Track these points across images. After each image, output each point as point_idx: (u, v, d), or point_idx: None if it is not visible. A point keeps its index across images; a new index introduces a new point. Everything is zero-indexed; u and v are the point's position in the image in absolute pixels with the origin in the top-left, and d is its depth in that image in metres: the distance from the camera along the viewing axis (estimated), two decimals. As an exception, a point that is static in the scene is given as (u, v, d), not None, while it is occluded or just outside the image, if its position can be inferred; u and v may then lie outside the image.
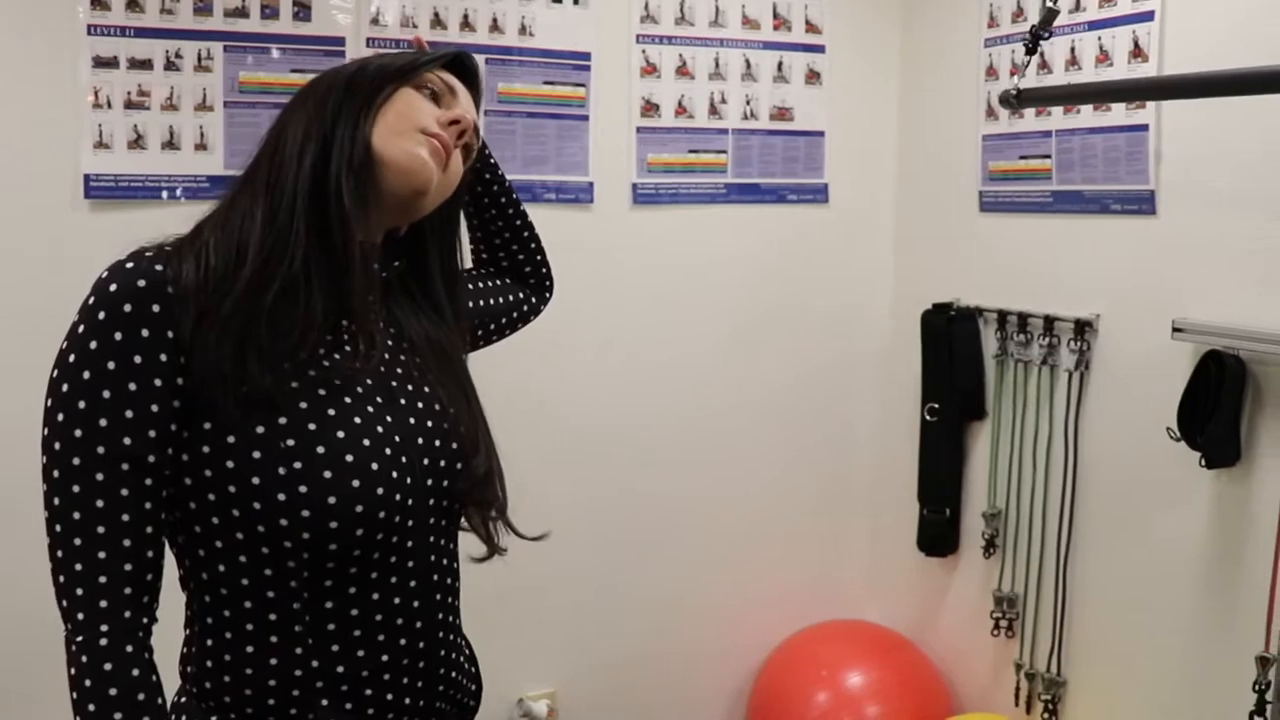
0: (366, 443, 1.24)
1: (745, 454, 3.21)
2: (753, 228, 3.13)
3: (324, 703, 1.25)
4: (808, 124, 3.16)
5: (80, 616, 1.14)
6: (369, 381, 1.28)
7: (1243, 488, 2.33)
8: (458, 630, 1.41)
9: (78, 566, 1.15)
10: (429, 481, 1.31)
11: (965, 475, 3.08)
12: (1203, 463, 2.34)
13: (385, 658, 1.28)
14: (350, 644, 1.26)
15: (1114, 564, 2.66)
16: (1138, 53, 2.52)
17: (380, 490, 1.23)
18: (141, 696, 1.15)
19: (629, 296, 3.01)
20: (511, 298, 1.69)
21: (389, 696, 1.30)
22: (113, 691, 1.14)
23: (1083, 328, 2.66)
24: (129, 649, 1.15)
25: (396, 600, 1.29)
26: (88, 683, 1.14)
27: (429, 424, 1.33)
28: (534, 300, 1.74)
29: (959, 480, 3.08)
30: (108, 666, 1.14)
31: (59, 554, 1.15)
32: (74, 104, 2.45)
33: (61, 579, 1.16)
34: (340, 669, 1.26)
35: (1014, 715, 2.91)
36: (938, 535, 3.11)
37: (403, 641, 1.30)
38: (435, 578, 1.34)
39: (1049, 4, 2.20)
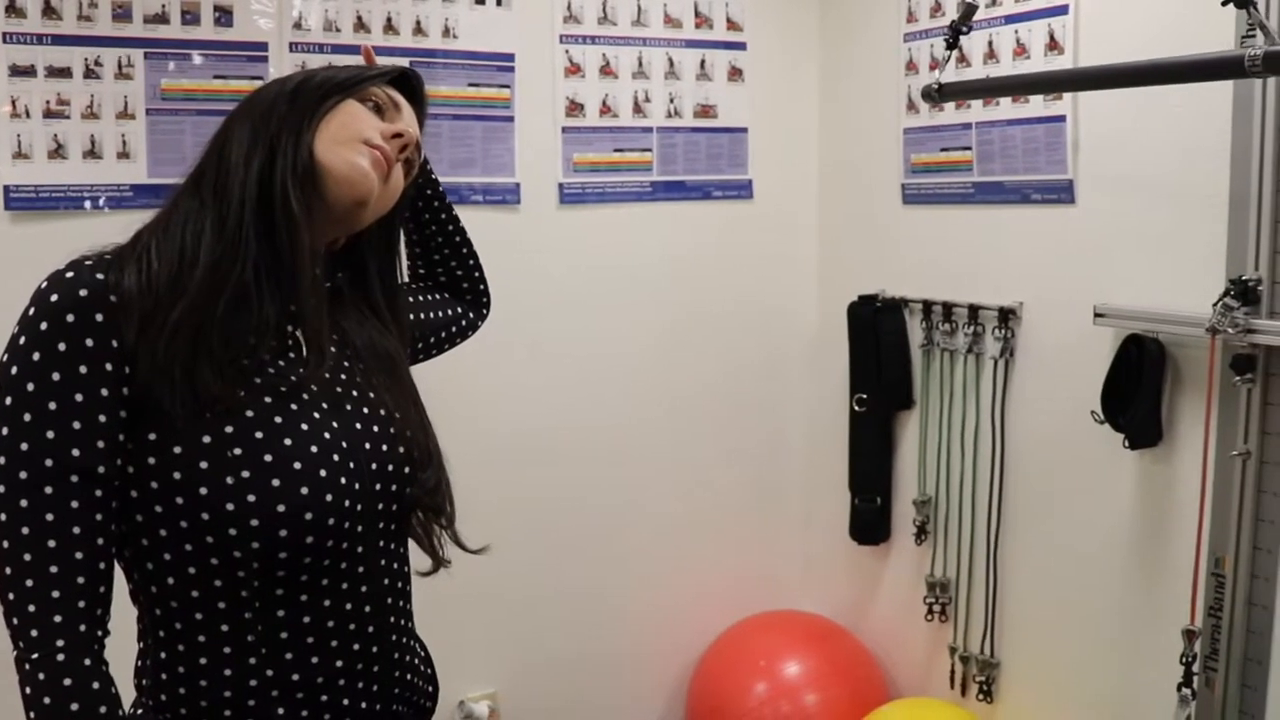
0: (314, 449, 1.23)
1: (677, 451, 3.23)
2: (679, 225, 3.14)
3: (280, 711, 1.25)
4: (731, 120, 3.18)
5: (34, 634, 1.12)
6: (315, 388, 1.28)
7: (1165, 467, 2.39)
8: (411, 633, 1.42)
9: (29, 582, 1.13)
10: (378, 487, 1.31)
11: (895, 464, 3.13)
12: (1126, 444, 2.40)
13: (340, 663, 1.28)
14: (304, 651, 1.26)
15: (1043, 546, 2.71)
16: (1053, 45, 2.58)
17: (329, 497, 1.23)
18: (103, 710, 1.14)
19: (557, 296, 3.01)
20: (450, 312, 1.69)
21: (345, 702, 1.29)
22: (74, 707, 1.12)
23: (1006, 316, 2.71)
24: (86, 663, 1.14)
25: (348, 606, 1.29)
26: (47, 700, 1.12)
27: (375, 429, 1.32)
28: (471, 316, 1.74)
29: (889, 469, 3.13)
30: (67, 682, 1.12)
31: (7, 570, 1.13)
32: (-11, 114, 2.40)
33: (11, 596, 1.13)
34: (295, 676, 1.25)
35: (949, 698, 2.97)
36: (869, 524, 3.15)
37: (356, 646, 1.30)
38: (386, 581, 1.34)
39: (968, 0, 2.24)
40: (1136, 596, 2.48)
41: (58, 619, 1.13)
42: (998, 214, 2.76)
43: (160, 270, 1.19)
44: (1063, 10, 2.55)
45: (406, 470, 1.35)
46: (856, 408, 3.13)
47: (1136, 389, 2.35)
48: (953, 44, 2.30)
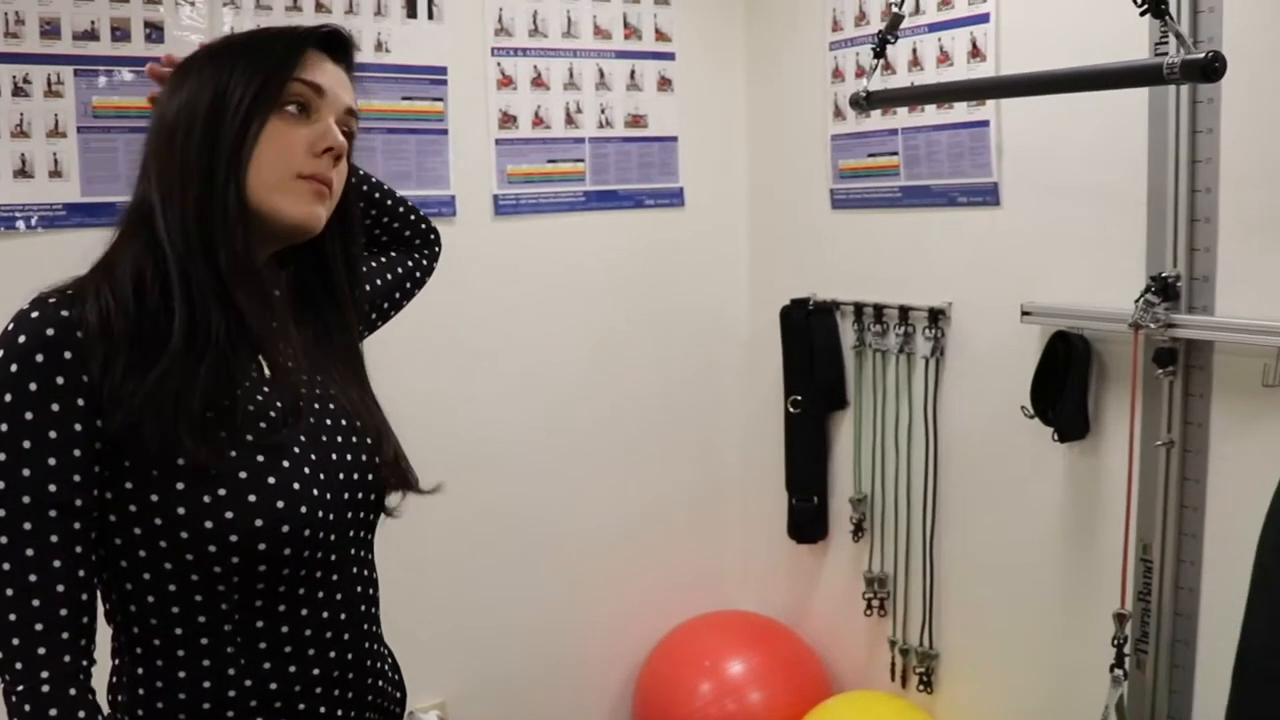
0: (286, 464, 1.26)
1: (616, 456, 3.27)
2: (613, 233, 3.19)
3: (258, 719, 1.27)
4: (661, 130, 3.23)
5: (19, 666, 1.14)
6: (279, 404, 1.30)
7: (1093, 458, 2.48)
8: (380, 640, 1.45)
9: (12, 616, 1.14)
10: (346, 495, 1.34)
11: (831, 463, 3.19)
12: (1055, 437, 2.48)
13: (316, 671, 1.31)
14: (281, 660, 1.28)
15: (977, 538, 2.79)
16: (976, 53, 2.66)
17: (304, 509, 1.25)
18: None
19: (495, 306, 3.03)
20: (402, 268, 1.69)
21: (321, 709, 1.32)
22: None
23: (936, 316, 2.79)
24: (72, 692, 1.16)
25: (324, 614, 1.31)
26: None
27: (341, 438, 1.36)
28: (425, 259, 1.74)
29: (825, 468, 3.20)
30: (53, 713, 1.14)
31: None
32: (-83, 134, 2.37)
33: None
34: (273, 685, 1.28)
35: (891, 690, 3.04)
36: (807, 523, 3.21)
37: (332, 654, 1.33)
38: (358, 589, 1.37)
39: (894, 9, 2.31)
40: (1069, 583, 2.57)
41: (41, 651, 1.15)
42: (925, 217, 2.83)
43: (116, 318, 1.19)
44: (984, 19, 2.63)
45: (373, 467, 1.38)
46: (792, 409, 3.19)
47: (1064, 384, 2.44)
48: (880, 53, 2.37)
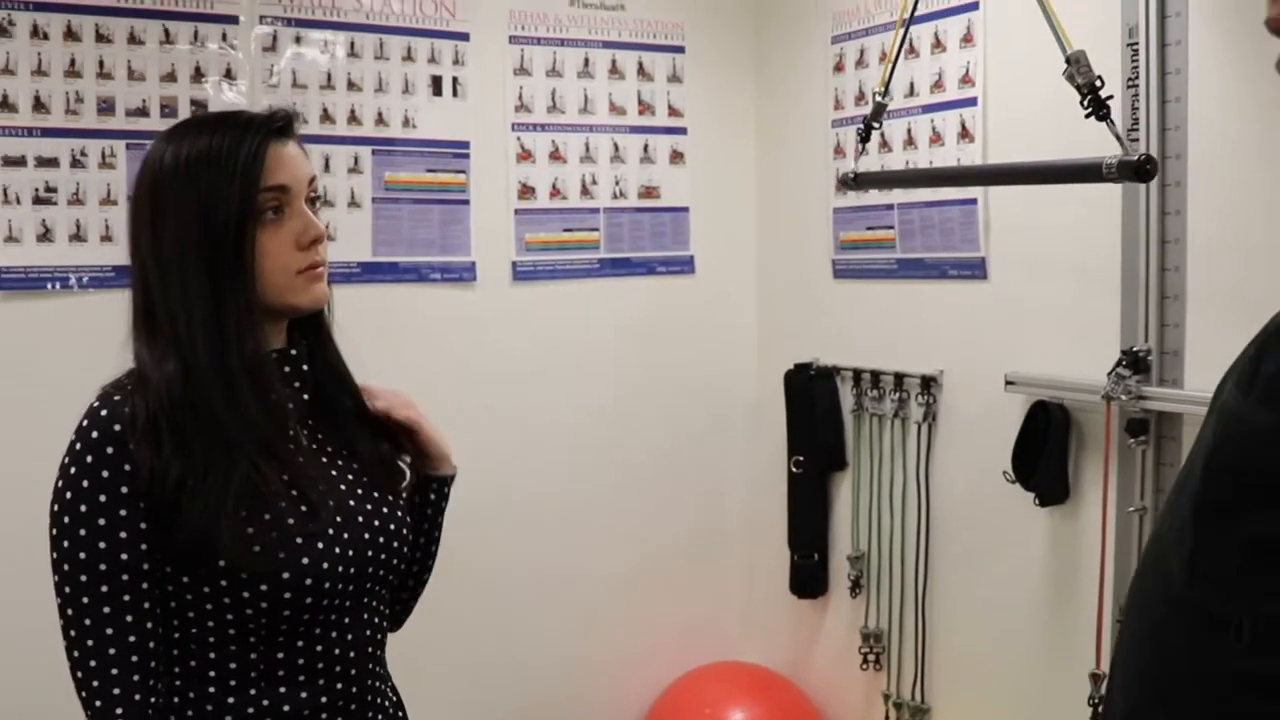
0: (311, 526, 1.44)
1: (626, 512, 3.41)
2: (626, 299, 3.35)
3: None
4: (673, 200, 3.40)
5: (98, 704, 1.37)
6: (310, 474, 1.48)
7: (1072, 522, 2.60)
8: (384, 676, 1.61)
9: (92, 663, 1.37)
10: (365, 552, 1.51)
11: (831, 521, 3.32)
12: (1037, 501, 2.61)
13: (324, 698, 1.48)
14: (296, 684, 1.46)
15: (966, 596, 2.91)
16: (965, 134, 2.81)
17: (325, 565, 1.44)
18: None
19: (512, 367, 3.20)
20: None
21: None
22: None
23: (928, 383, 2.93)
24: None
25: (336, 650, 1.49)
26: None
27: (359, 500, 1.53)
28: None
29: (825, 526, 3.33)
30: None
31: (75, 654, 1.37)
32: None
33: (79, 674, 1.37)
34: (287, 707, 1.45)
35: (884, 743, 3.15)
36: (808, 578, 3.34)
37: (339, 685, 1.50)
38: (366, 632, 1.54)
39: (877, 99, 2.46)
40: (1051, 642, 2.68)
41: (116, 691, 1.37)
42: (919, 288, 2.98)
43: (160, 419, 1.38)
44: (973, 102, 2.79)
45: (393, 544, 1.56)
46: (794, 469, 3.33)
47: (1043, 451, 2.57)
48: (865, 137, 2.52)
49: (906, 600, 3.06)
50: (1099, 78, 1.86)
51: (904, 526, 3.05)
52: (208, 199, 1.41)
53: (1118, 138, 1.85)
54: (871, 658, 3.18)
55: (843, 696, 3.32)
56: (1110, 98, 1.86)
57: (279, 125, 1.47)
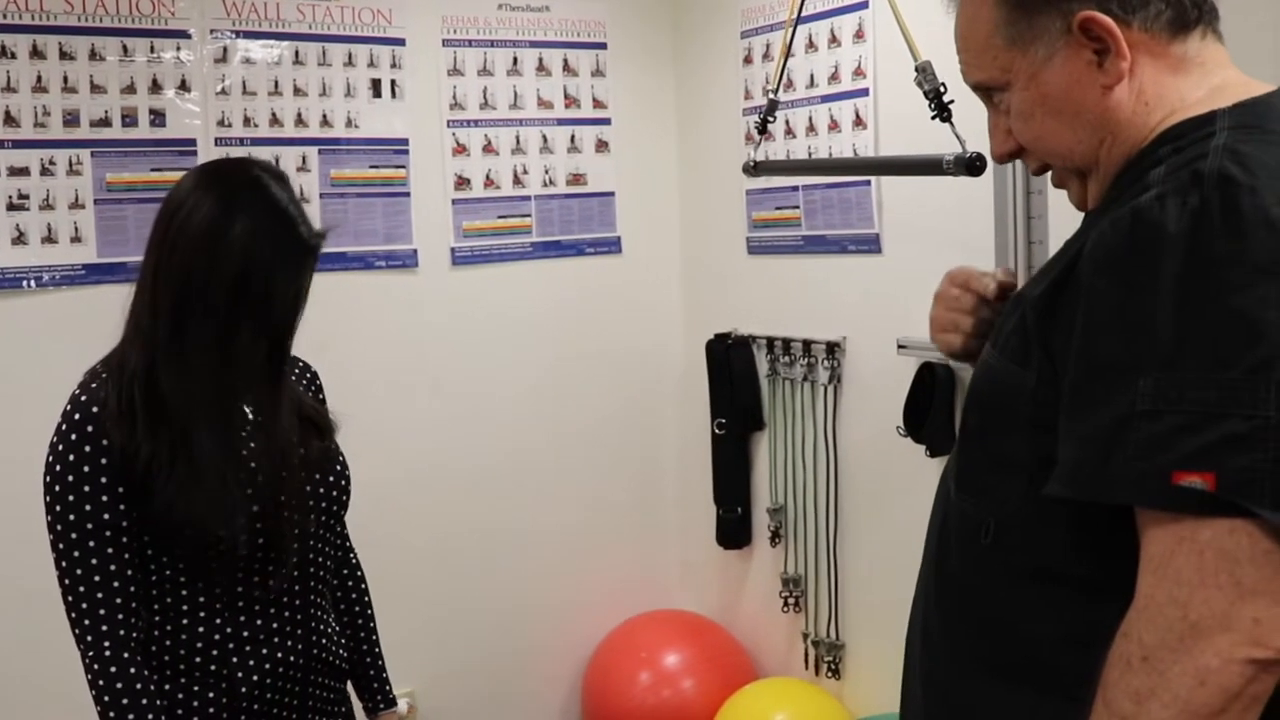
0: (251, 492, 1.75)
1: (567, 475, 3.68)
2: (558, 279, 3.62)
3: (234, 659, 1.75)
4: (600, 186, 3.67)
5: (89, 638, 1.65)
6: (262, 458, 1.77)
7: (958, 470, 2.90)
8: (326, 609, 1.90)
9: (84, 605, 1.66)
10: (308, 503, 1.81)
11: (752, 478, 3.62)
12: (928, 452, 2.91)
13: (275, 624, 1.79)
14: (253, 613, 1.76)
15: (873, 541, 3.21)
16: (859, 121, 3.10)
17: (260, 524, 1.73)
18: (138, 686, 1.66)
19: (455, 345, 3.46)
20: None
21: (279, 654, 1.79)
22: (119, 684, 1.65)
23: (832, 348, 3.22)
24: (124, 655, 1.66)
25: (285, 584, 1.79)
26: (101, 681, 1.64)
27: (305, 469, 1.82)
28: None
29: (747, 482, 3.62)
30: (113, 669, 1.65)
31: (69, 598, 1.67)
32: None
33: (73, 615, 1.67)
34: (245, 633, 1.76)
35: (805, 677, 3.44)
36: (733, 531, 3.63)
37: (287, 613, 1.80)
38: (310, 569, 1.84)
39: (769, 96, 2.73)
40: (944, 578, 2.98)
41: (104, 628, 1.65)
42: (822, 262, 3.27)
43: (131, 405, 1.67)
44: (864, 93, 3.08)
45: (332, 492, 1.86)
46: (717, 431, 3.61)
47: (931, 407, 2.87)
48: (762, 129, 2.78)
49: (820, 547, 3.36)
50: (943, 84, 2.14)
51: (815, 480, 3.34)
52: (238, 291, 1.68)
53: (957, 137, 2.14)
54: (791, 601, 3.47)
55: (767, 637, 3.63)
56: (952, 101, 2.14)
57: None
